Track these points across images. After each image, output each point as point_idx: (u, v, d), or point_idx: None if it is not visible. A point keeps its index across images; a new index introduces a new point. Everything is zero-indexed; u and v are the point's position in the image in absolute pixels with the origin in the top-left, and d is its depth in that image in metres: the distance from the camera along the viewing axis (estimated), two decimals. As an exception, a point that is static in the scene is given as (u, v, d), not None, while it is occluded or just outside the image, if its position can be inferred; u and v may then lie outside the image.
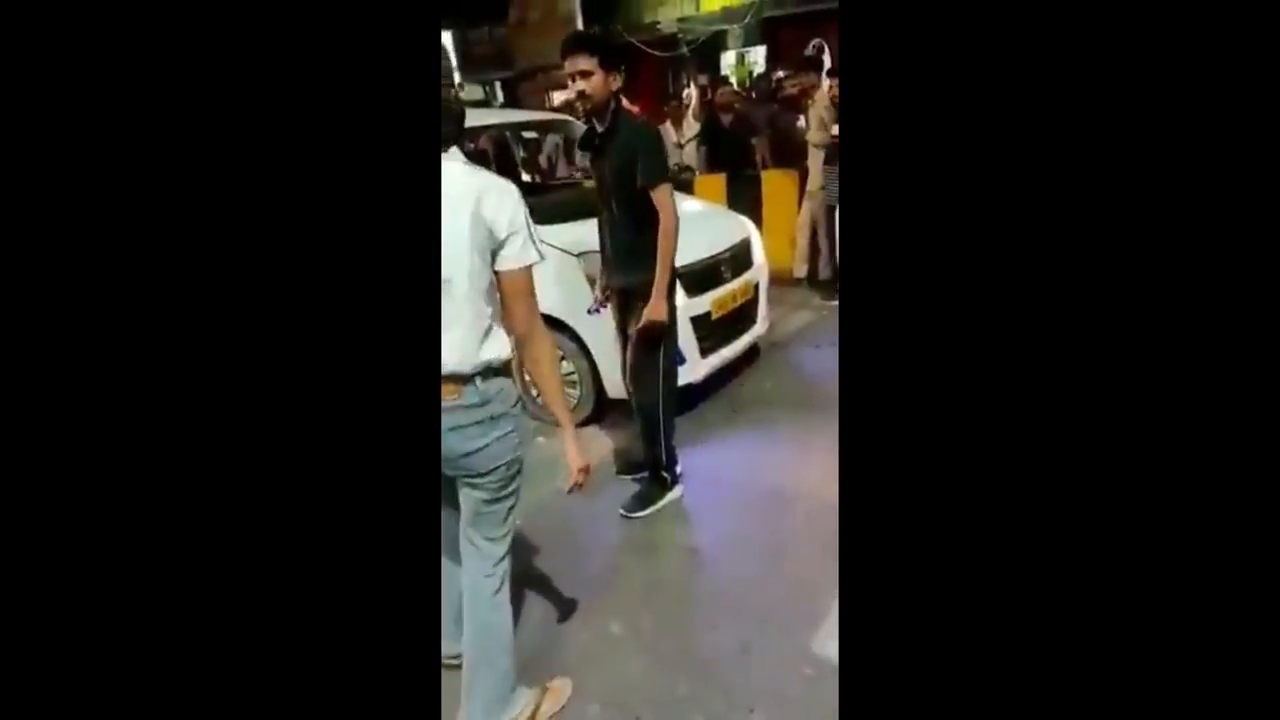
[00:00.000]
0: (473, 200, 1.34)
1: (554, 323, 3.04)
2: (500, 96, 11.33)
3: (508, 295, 1.41)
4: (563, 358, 3.11)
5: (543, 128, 4.20)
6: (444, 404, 1.39)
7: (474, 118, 3.86)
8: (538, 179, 4.60)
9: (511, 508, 1.57)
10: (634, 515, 2.57)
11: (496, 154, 4.27)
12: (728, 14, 9.84)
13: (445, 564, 1.73)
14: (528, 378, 3.21)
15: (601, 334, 2.86)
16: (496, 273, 1.39)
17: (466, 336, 1.38)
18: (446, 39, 11.88)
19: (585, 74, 2.18)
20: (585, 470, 1.54)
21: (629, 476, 2.80)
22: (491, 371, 1.43)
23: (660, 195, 2.24)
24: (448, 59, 1.45)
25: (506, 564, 1.60)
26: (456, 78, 1.65)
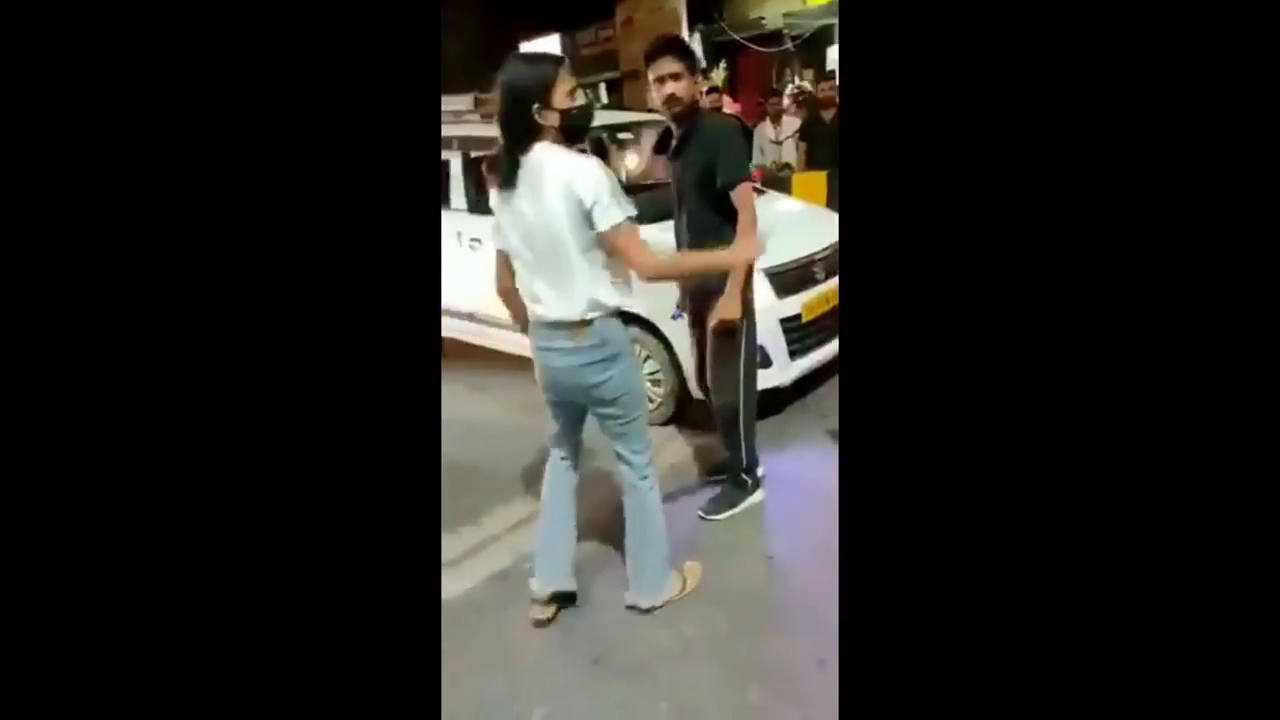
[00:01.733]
0: (564, 181, 1.69)
1: (639, 321, 3.06)
2: (605, 97, 11.48)
3: (613, 250, 1.73)
4: (647, 357, 3.13)
5: (636, 128, 4.23)
6: (573, 345, 1.81)
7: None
8: (632, 179, 4.65)
9: (642, 433, 2.00)
10: (713, 518, 2.55)
11: (595, 154, 4.34)
12: (834, 8, 9.57)
13: (549, 503, 2.13)
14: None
15: (687, 333, 2.86)
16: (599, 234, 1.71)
17: (580, 289, 1.77)
18: (555, 42, 12.18)
19: (675, 76, 2.20)
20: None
21: (711, 479, 2.78)
22: (606, 315, 1.81)
23: (740, 194, 2.23)
24: (568, 66, 1.78)
25: (653, 467, 2.05)
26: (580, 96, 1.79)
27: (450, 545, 2.54)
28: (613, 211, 1.68)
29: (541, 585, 2.12)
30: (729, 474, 2.61)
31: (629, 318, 3.03)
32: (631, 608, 2.12)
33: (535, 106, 1.69)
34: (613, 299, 1.81)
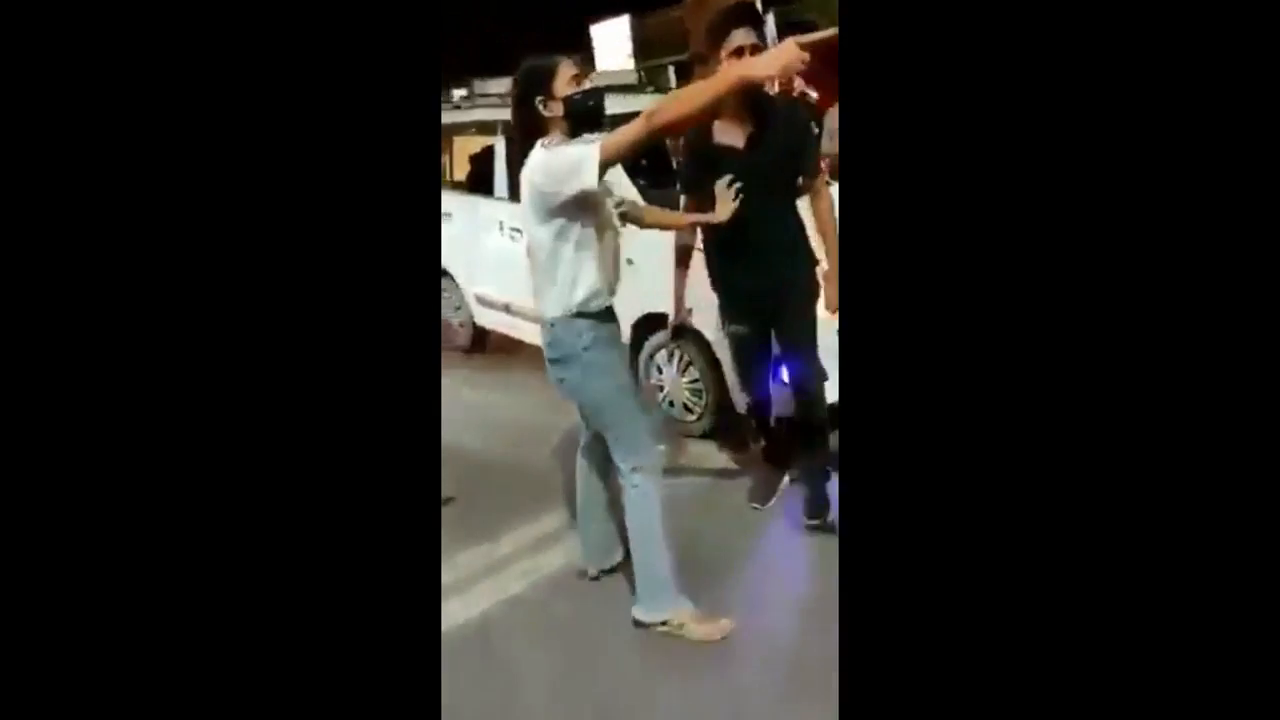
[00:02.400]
0: (528, 175, 1.69)
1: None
2: (674, 81, 11.18)
3: (614, 154, 1.57)
4: (688, 364, 2.88)
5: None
6: (544, 341, 1.87)
7: (616, 104, 3.66)
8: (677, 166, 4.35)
9: (630, 441, 1.88)
10: (817, 522, 2.32)
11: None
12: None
13: (581, 499, 2.15)
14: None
15: (726, 339, 2.60)
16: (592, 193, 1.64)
17: (544, 293, 1.80)
18: (625, 24, 11.93)
19: (755, 49, 1.89)
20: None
21: (759, 506, 2.50)
22: (565, 319, 1.79)
23: (821, 182, 2.17)
24: (575, 58, 1.77)
25: (639, 478, 1.89)
26: (588, 82, 1.78)
27: (464, 563, 2.37)
28: (579, 173, 1.57)
29: (592, 569, 2.19)
30: (811, 472, 2.35)
31: (665, 322, 2.80)
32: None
33: (538, 99, 1.69)
34: (565, 300, 1.77)
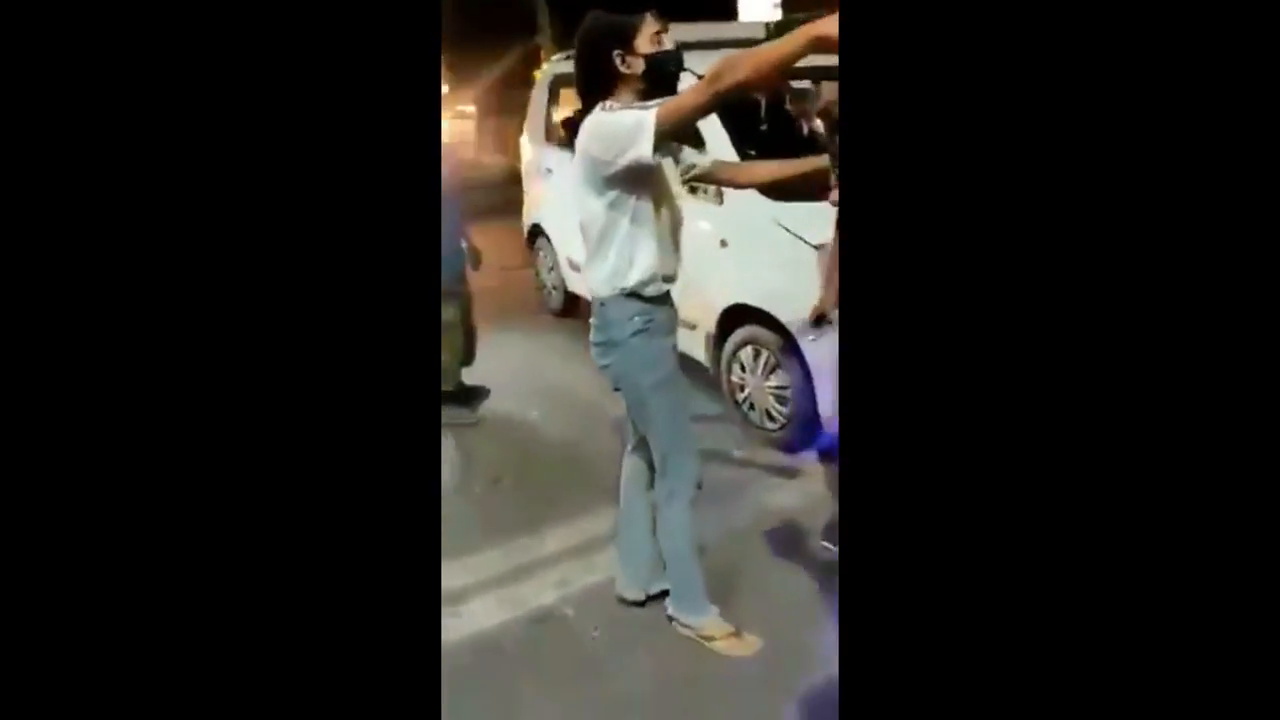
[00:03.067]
0: (583, 143, 1.55)
1: (769, 322, 2.47)
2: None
3: (671, 121, 1.43)
4: (775, 366, 2.53)
5: (817, 75, 3.48)
6: (593, 323, 1.73)
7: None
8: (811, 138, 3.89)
9: (671, 442, 1.74)
10: None
11: (769, 108, 3.66)
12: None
13: (623, 502, 1.95)
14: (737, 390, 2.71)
15: (822, 343, 2.25)
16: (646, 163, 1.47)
17: (595, 269, 1.66)
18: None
19: None
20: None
21: (833, 548, 2.15)
22: (615, 298, 1.64)
23: None
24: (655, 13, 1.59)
25: (669, 485, 1.77)
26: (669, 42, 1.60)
27: (491, 561, 2.18)
28: (636, 141, 1.43)
29: (631, 593, 1.95)
30: None
31: (755, 315, 2.47)
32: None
33: (617, 53, 1.54)
34: (618, 280, 1.63)
